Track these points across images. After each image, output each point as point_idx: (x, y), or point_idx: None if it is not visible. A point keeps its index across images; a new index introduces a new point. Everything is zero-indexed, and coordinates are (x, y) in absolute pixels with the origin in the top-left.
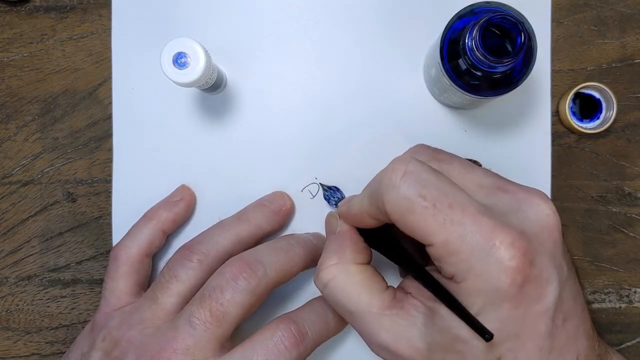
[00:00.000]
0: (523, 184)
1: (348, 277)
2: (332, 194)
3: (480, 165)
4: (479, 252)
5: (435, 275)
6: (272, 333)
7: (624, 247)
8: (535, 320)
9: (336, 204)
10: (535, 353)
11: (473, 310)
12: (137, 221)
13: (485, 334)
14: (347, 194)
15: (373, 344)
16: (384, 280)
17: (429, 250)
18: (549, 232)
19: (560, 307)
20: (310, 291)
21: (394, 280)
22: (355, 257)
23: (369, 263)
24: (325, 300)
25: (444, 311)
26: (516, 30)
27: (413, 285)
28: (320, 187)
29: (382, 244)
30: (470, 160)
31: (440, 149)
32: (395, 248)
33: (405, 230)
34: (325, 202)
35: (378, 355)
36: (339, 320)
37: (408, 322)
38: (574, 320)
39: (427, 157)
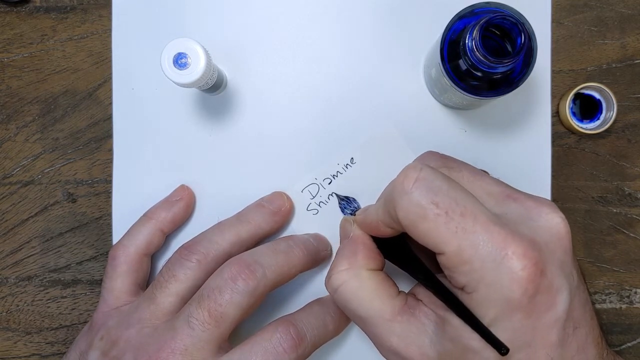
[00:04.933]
0: (529, 193)
1: (359, 282)
2: (347, 204)
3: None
4: (490, 262)
5: (447, 285)
6: (271, 335)
7: (625, 247)
8: (547, 329)
9: (352, 214)
10: None
11: (485, 321)
12: (136, 221)
13: (501, 348)
14: (347, 194)
15: (383, 348)
16: (395, 285)
17: (440, 259)
18: (560, 240)
19: (571, 315)
20: (310, 293)
21: (406, 286)
22: (367, 263)
23: (381, 269)
24: (323, 303)
25: (455, 321)
26: (516, 30)
27: (425, 293)
28: (336, 197)
29: (395, 254)
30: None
31: (450, 156)
32: (408, 257)
33: (417, 238)
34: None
35: (387, 358)
36: (337, 323)
37: (419, 329)
38: (583, 328)
39: (437, 164)
